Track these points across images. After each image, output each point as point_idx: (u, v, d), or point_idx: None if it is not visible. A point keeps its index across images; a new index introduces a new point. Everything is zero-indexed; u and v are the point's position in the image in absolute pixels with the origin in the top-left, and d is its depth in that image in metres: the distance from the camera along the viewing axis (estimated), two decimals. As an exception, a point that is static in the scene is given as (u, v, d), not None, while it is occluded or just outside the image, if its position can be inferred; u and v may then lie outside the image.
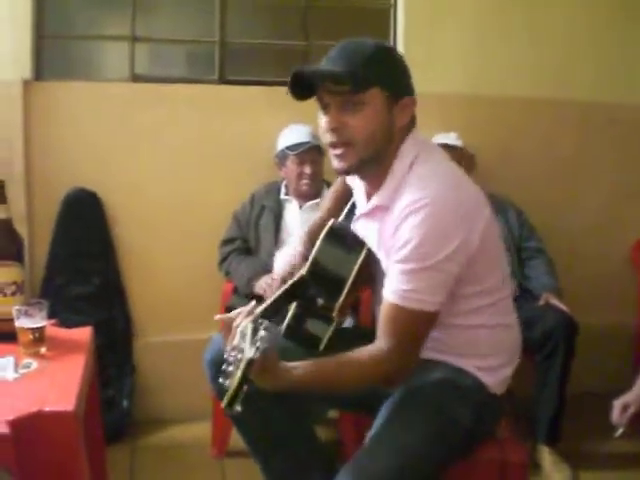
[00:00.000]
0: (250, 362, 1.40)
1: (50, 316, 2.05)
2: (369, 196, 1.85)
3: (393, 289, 1.67)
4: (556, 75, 3.54)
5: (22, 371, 1.83)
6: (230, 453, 2.89)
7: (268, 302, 1.75)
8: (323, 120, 1.73)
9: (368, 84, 1.65)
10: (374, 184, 1.79)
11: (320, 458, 2.08)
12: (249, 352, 1.41)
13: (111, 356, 3.10)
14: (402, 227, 1.65)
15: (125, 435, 3.04)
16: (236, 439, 2.23)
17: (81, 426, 1.65)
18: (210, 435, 2.96)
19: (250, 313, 1.62)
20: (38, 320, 1.95)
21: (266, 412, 1.94)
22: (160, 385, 3.23)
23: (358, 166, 1.74)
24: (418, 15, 3.41)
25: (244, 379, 1.39)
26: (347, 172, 1.79)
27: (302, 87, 1.69)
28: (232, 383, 1.40)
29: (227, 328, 1.63)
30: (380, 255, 1.82)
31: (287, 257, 2.02)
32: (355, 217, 1.92)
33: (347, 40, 1.74)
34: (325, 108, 1.72)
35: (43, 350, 1.95)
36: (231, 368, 1.44)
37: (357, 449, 1.72)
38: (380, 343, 1.69)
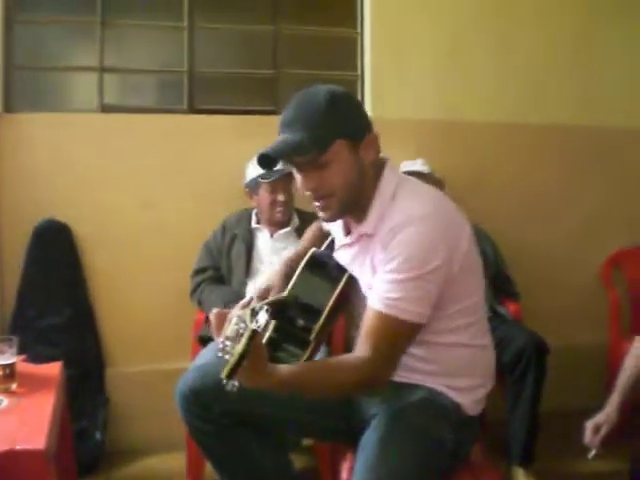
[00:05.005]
0: (254, 333, 1.41)
1: (21, 348, 2.04)
2: (348, 229, 1.89)
3: (379, 297, 1.70)
4: (535, 99, 3.59)
5: (-7, 408, 1.82)
6: (205, 483, 2.86)
7: (260, 304, 1.72)
8: (298, 178, 1.77)
9: (330, 143, 1.69)
10: (357, 218, 1.82)
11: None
12: (252, 325, 1.42)
13: (83, 387, 3.07)
14: (391, 244, 1.69)
15: (99, 467, 3.00)
16: (211, 469, 2.22)
17: (52, 463, 1.64)
18: (185, 465, 2.92)
19: (245, 306, 1.63)
20: (8, 357, 1.94)
21: (242, 444, 1.94)
22: (133, 415, 3.20)
23: (341, 212, 1.80)
24: (386, 42, 3.44)
25: (247, 350, 1.39)
26: (333, 220, 1.85)
27: (269, 159, 1.71)
28: (234, 354, 1.40)
29: (220, 320, 1.61)
30: (364, 278, 1.84)
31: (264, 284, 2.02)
32: (336, 247, 1.95)
33: (299, 96, 1.75)
34: (297, 168, 1.75)
35: (14, 386, 1.95)
36: (229, 347, 1.44)
37: (333, 477, 1.72)
38: (362, 350, 1.69)
